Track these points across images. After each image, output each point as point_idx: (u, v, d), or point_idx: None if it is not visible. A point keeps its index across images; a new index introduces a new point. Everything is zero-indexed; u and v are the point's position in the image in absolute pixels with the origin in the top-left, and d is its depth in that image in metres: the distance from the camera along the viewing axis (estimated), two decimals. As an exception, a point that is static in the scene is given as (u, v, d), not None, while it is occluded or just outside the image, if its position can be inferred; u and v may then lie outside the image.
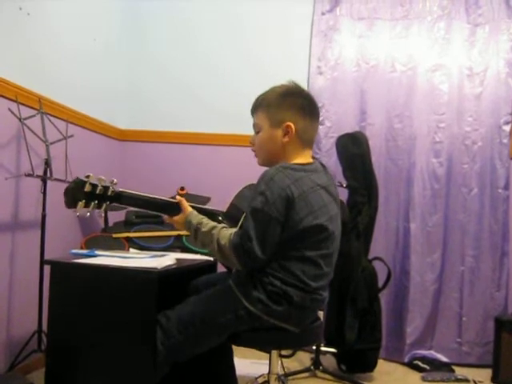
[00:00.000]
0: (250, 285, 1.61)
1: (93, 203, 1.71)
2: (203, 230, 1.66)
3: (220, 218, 1.83)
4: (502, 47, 3.38)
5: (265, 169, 1.67)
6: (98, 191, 1.70)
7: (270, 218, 1.56)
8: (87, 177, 1.69)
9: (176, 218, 1.79)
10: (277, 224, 1.57)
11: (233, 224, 1.70)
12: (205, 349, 1.70)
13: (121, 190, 1.75)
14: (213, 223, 1.69)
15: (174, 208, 1.79)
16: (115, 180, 1.75)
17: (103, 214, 1.78)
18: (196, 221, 1.71)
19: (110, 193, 1.73)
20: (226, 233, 1.62)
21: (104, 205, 1.74)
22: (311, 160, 1.75)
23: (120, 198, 1.75)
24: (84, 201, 1.69)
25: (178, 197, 1.81)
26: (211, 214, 1.82)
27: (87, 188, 1.68)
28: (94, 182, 1.70)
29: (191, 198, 1.86)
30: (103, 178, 1.72)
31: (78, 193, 1.68)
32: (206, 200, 3.01)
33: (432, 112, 3.41)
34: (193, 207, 1.80)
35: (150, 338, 1.61)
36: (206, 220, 1.71)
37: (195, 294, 1.77)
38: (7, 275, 2.48)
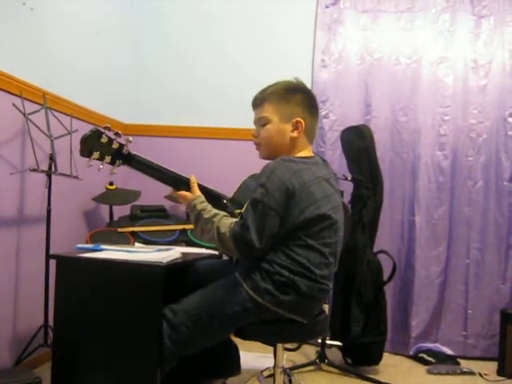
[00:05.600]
0: (257, 276, 1.62)
1: (107, 157, 1.67)
2: (205, 216, 1.67)
3: (225, 202, 1.83)
4: (507, 39, 3.36)
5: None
6: (113, 145, 1.67)
7: (270, 209, 1.58)
8: (105, 128, 1.65)
9: (182, 192, 1.77)
10: (275, 215, 1.59)
11: (237, 208, 1.74)
12: (213, 342, 1.71)
13: (134, 152, 1.72)
14: (215, 211, 1.69)
15: (182, 183, 1.78)
16: (130, 138, 1.71)
17: (115, 171, 1.74)
18: (200, 207, 1.70)
19: (124, 151, 1.69)
20: (227, 222, 1.63)
21: (117, 162, 1.69)
22: (312, 154, 1.79)
23: (131, 160, 1.71)
24: (99, 152, 1.65)
25: (191, 175, 1.79)
26: (217, 197, 1.82)
27: (104, 139, 1.64)
28: (111, 136, 1.66)
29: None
30: (120, 132, 1.67)
31: (94, 142, 1.64)
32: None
33: (437, 105, 3.40)
34: (200, 186, 1.78)
35: (156, 332, 1.61)
36: (209, 207, 1.71)
37: (197, 282, 1.77)
38: (13, 270, 2.49)
